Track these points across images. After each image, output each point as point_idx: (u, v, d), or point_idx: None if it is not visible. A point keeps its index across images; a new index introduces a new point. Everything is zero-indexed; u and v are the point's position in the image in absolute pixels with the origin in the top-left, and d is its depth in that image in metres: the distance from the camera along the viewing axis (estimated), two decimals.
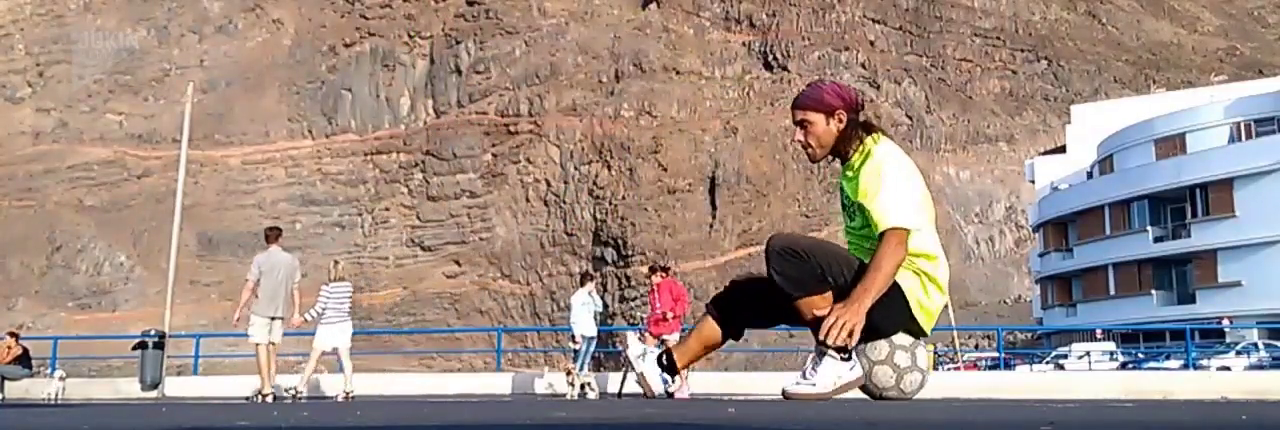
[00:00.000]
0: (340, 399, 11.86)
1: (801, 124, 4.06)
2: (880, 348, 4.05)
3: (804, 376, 3.89)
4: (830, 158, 4.12)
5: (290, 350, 13.49)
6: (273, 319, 11.91)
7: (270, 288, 11.91)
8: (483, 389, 15.22)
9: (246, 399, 12.09)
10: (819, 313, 3.79)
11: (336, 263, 13.26)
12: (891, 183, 3.86)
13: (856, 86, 78.30)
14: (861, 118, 4.06)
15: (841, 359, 3.83)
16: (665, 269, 13.27)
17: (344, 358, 12.45)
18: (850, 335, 3.67)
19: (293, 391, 12.31)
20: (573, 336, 13.97)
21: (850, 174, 4.04)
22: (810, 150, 4.08)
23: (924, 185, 4.01)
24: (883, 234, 3.79)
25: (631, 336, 10.39)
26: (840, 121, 4.00)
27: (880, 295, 3.75)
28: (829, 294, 3.82)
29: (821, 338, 3.72)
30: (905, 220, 3.79)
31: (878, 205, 3.83)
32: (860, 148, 4.00)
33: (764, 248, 3.97)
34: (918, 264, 3.92)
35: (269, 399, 11.56)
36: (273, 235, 12.35)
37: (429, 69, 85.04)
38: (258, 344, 11.89)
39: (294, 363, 12.68)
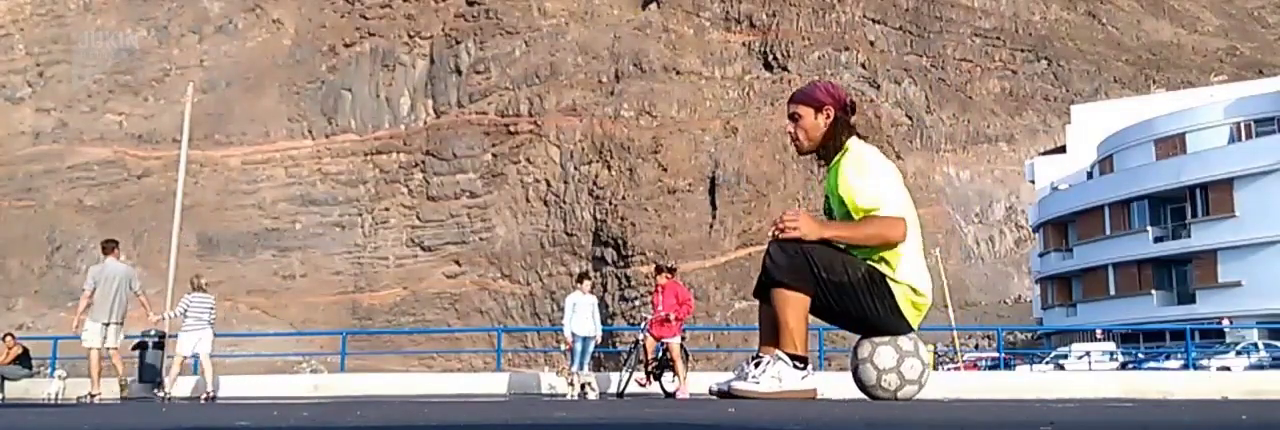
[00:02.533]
0: (202, 400, 12.51)
1: (793, 117, 4.22)
2: (884, 355, 4.05)
3: (746, 376, 3.95)
4: (816, 157, 4.24)
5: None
6: (107, 325, 12.64)
7: (105, 296, 12.63)
8: (483, 389, 15.22)
9: (77, 399, 12.82)
10: (789, 309, 3.88)
11: (198, 276, 14.29)
12: (876, 174, 4.00)
13: (856, 86, 78.37)
14: (851, 121, 4.21)
15: (796, 367, 3.90)
16: (672, 270, 13.25)
17: (205, 362, 13.36)
18: (794, 230, 3.85)
19: (163, 393, 12.96)
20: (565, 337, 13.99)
21: (831, 173, 4.17)
22: (798, 143, 4.24)
23: (902, 184, 4.12)
24: (884, 218, 3.91)
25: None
26: (827, 117, 4.15)
27: (845, 243, 3.93)
28: (806, 299, 3.89)
29: (771, 231, 3.91)
30: (896, 210, 3.93)
31: (865, 191, 3.95)
32: (841, 145, 4.14)
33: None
34: (888, 268, 3.98)
35: (96, 400, 12.28)
36: (109, 248, 13.28)
37: (429, 69, 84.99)
38: (91, 348, 12.61)
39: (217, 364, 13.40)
